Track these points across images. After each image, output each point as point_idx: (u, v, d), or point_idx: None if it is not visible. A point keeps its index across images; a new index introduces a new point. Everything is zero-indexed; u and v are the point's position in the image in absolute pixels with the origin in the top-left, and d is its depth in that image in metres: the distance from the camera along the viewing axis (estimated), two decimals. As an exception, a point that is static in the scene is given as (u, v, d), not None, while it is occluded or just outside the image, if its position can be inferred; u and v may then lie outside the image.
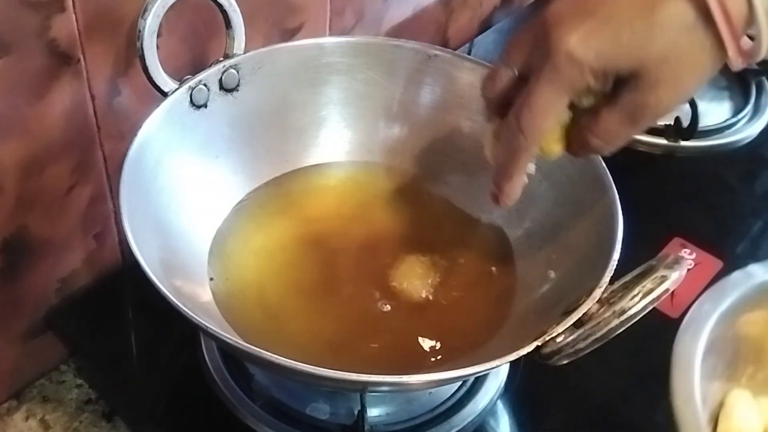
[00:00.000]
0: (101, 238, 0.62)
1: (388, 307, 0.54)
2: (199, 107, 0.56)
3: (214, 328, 0.42)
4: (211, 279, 0.54)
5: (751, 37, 0.41)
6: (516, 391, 0.58)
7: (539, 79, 0.42)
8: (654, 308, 0.43)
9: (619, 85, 0.42)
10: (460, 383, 0.57)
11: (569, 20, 0.41)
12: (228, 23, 0.56)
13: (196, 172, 0.56)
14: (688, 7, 0.39)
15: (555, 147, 0.46)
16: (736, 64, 0.40)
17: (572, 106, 0.45)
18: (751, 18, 0.39)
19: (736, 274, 0.44)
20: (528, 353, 0.43)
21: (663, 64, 0.40)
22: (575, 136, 0.45)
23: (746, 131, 0.83)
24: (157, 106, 0.53)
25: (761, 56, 0.41)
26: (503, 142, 0.46)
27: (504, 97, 0.46)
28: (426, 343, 0.53)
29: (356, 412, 0.53)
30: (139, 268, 0.44)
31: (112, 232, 0.63)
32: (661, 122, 0.81)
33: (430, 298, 0.55)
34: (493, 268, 0.57)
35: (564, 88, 0.42)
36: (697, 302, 0.43)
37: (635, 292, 0.43)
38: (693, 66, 0.41)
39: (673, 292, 0.43)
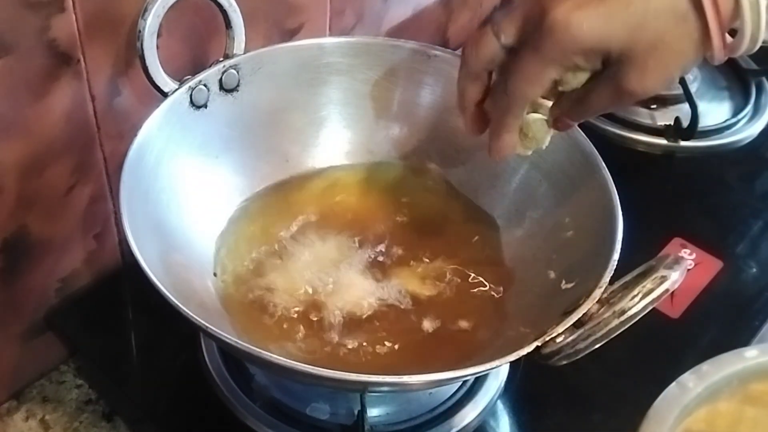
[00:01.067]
0: (101, 238, 0.62)
1: (387, 307, 0.54)
2: (199, 107, 0.56)
3: (214, 328, 0.42)
4: (215, 274, 0.54)
5: (731, 34, 0.42)
6: (516, 391, 0.58)
7: (530, 48, 0.43)
8: (654, 308, 0.43)
9: (606, 65, 0.43)
10: (460, 383, 0.57)
11: None
12: (228, 23, 0.56)
13: (196, 173, 0.56)
14: None
15: (542, 134, 0.49)
16: (719, 56, 0.41)
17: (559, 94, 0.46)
18: (736, 13, 0.40)
19: (672, 389, 0.45)
20: (528, 353, 0.43)
21: (653, 50, 0.41)
22: (559, 114, 0.47)
23: (746, 131, 0.83)
24: (157, 106, 0.53)
25: (742, 50, 0.42)
26: (493, 101, 0.48)
27: (484, 66, 0.47)
28: (425, 342, 0.53)
29: (356, 412, 0.53)
30: (139, 268, 0.44)
31: (112, 232, 0.63)
32: (661, 122, 0.81)
33: (430, 297, 0.55)
34: (493, 268, 0.57)
35: (553, 60, 0.43)
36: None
37: (635, 292, 0.43)
38: (679, 55, 0.42)
39: (673, 292, 0.43)
